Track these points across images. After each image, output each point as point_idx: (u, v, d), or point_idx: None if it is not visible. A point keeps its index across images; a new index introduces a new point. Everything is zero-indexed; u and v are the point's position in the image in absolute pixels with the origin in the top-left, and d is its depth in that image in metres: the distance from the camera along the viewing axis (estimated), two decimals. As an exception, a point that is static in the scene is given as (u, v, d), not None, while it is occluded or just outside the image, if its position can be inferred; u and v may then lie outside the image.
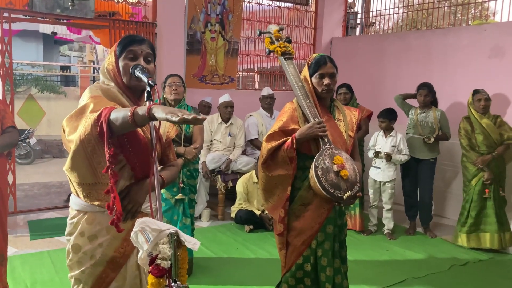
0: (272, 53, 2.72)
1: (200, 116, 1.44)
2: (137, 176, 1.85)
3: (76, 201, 1.83)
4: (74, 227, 1.84)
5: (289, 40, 2.74)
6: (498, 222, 4.45)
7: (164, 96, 3.69)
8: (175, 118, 1.40)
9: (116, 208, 1.62)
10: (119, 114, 1.58)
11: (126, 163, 1.81)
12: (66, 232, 1.89)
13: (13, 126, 3.06)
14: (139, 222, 1.54)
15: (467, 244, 4.57)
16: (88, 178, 1.73)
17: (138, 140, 1.81)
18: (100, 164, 1.67)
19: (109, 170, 1.59)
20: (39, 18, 5.33)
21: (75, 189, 1.80)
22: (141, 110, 1.53)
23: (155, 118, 1.50)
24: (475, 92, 4.55)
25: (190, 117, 1.40)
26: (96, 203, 1.77)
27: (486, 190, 4.45)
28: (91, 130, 1.62)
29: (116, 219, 1.63)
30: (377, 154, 4.84)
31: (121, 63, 1.85)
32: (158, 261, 1.49)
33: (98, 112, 1.62)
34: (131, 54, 1.84)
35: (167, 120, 1.44)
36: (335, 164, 2.34)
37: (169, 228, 1.54)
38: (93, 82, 13.32)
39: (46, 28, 9.53)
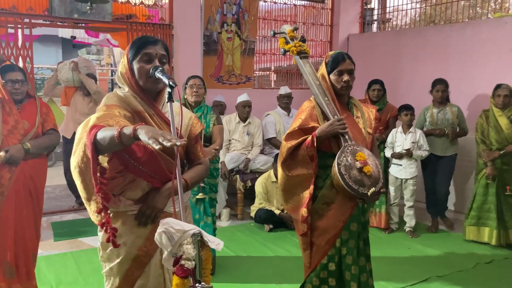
0: (287, 53, 2.72)
1: (179, 142, 1.44)
2: (155, 185, 1.84)
3: None
4: None
5: (303, 39, 2.72)
6: (498, 219, 4.41)
7: (185, 97, 3.72)
8: (155, 146, 1.43)
9: (109, 226, 1.67)
10: (106, 133, 1.59)
11: (137, 178, 1.81)
12: (98, 229, 1.93)
13: (53, 128, 3.13)
14: (163, 223, 1.55)
15: (467, 236, 4.61)
16: (83, 192, 1.75)
17: (138, 152, 1.76)
18: (92, 182, 1.67)
19: (99, 191, 1.63)
20: (58, 23, 5.41)
21: None
22: (127, 130, 1.54)
23: (139, 139, 1.52)
24: (497, 86, 4.47)
25: (169, 144, 1.42)
26: (93, 218, 1.78)
27: (507, 187, 4.39)
28: (84, 150, 1.66)
29: (111, 235, 1.68)
30: (395, 155, 4.78)
31: (135, 66, 1.83)
32: (183, 262, 1.50)
33: (87, 134, 1.65)
34: (146, 56, 1.81)
35: (149, 145, 1.46)
36: (357, 160, 2.33)
37: (193, 228, 1.54)
38: (111, 85, 13.45)
39: (65, 33, 9.66)
